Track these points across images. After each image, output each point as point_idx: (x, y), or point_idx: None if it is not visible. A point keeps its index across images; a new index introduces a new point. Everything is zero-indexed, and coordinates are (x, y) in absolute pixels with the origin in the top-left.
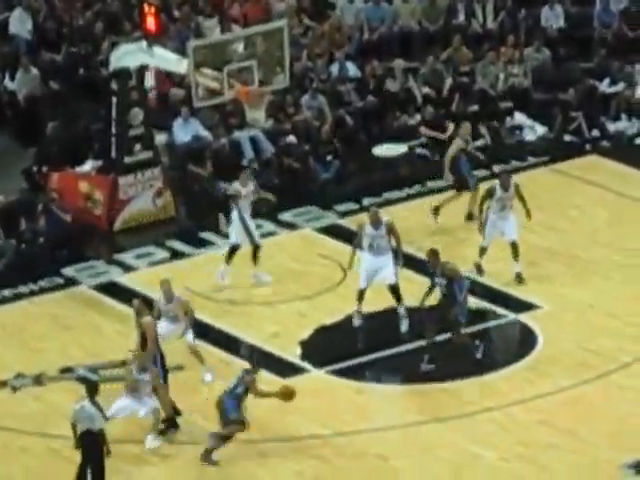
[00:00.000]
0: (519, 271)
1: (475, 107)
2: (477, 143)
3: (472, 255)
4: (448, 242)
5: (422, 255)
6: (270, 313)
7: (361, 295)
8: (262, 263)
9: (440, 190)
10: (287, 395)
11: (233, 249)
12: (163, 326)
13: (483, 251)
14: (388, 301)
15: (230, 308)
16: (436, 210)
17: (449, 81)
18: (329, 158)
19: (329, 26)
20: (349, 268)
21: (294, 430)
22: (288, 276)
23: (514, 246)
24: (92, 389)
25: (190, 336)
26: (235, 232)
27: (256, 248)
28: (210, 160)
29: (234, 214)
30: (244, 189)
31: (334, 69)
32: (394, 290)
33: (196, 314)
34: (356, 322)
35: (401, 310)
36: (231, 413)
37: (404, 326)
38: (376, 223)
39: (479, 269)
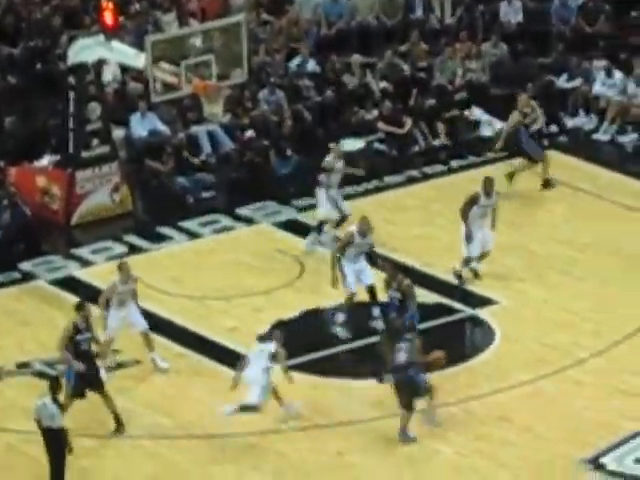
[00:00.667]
0: (475, 267)
1: (432, 102)
2: (435, 141)
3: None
4: (406, 238)
5: (382, 251)
6: (227, 308)
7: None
8: (219, 258)
9: (397, 185)
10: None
11: (321, 223)
12: (113, 315)
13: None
14: (342, 296)
15: (187, 303)
16: (510, 176)
17: (407, 74)
18: (289, 153)
19: (287, 21)
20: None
21: (251, 425)
22: (245, 271)
23: (485, 255)
24: (54, 386)
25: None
26: (323, 205)
27: (344, 218)
28: (170, 155)
29: (321, 190)
30: (337, 163)
31: (293, 64)
32: (372, 290)
33: (153, 309)
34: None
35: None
36: (421, 383)
37: (379, 325)
38: (365, 232)
39: (460, 277)
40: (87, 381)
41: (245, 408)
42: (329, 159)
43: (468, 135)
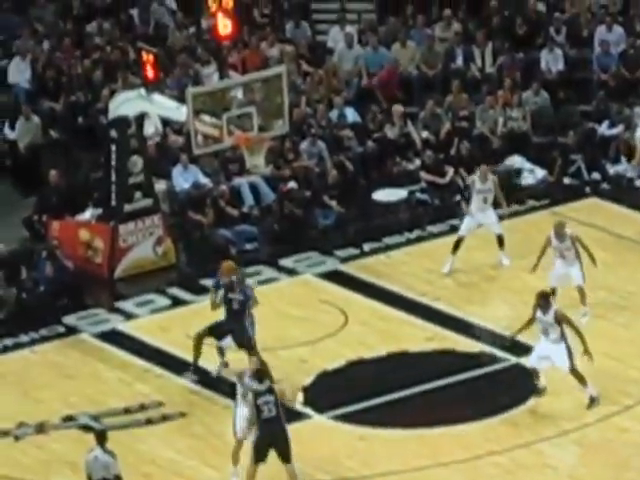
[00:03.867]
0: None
1: (474, 151)
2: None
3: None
4: (449, 287)
5: (424, 301)
6: (271, 359)
7: (553, 292)
8: (261, 309)
9: (440, 234)
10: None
11: (459, 240)
12: None
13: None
14: (390, 346)
15: (231, 355)
16: None
17: (447, 125)
18: (333, 203)
19: (325, 72)
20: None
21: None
22: (289, 322)
23: (499, 238)
24: (101, 437)
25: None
26: (465, 223)
27: (499, 236)
28: (212, 207)
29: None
30: (480, 184)
31: (333, 115)
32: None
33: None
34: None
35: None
36: None
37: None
38: (561, 236)
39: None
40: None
41: None
42: (472, 176)
43: (510, 184)
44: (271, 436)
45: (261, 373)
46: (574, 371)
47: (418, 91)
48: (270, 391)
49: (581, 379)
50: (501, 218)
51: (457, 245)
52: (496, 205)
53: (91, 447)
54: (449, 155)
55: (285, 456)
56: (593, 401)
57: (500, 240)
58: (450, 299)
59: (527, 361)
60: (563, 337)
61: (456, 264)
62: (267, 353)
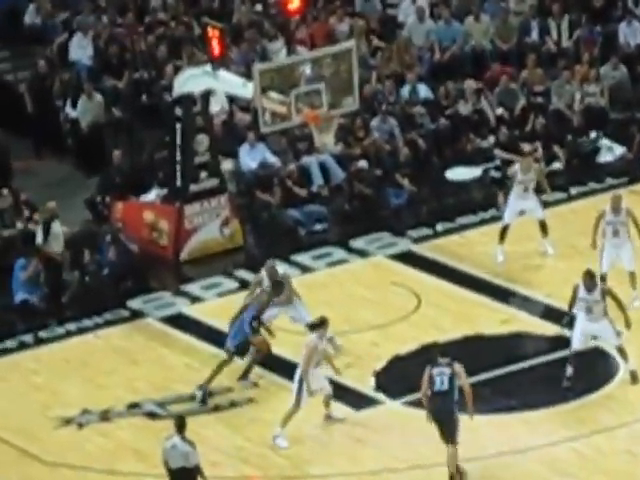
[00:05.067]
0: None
1: (550, 128)
2: (554, 165)
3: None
4: (527, 269)
5: (499, 282)
6: (343, 343)
7: (603, 278)
8: (331, 291)
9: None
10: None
11: (504, 228)
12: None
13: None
14: (464, 329)
15: (301, 339)
16: None
17: (522, 101)
18: (405, 182)
19: (396, 47)
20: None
21: (369, 463)
22: (361, 305)
23: (542, 224)
24: (181, 425)
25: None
26: (507, 211)
27: (541, 222)
28: (279, 187)
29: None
30: (522, 175)
31: (405, 91)
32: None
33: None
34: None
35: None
36: None
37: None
38: (617, 209)
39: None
40: None
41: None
42: (514, 167)
43: (587, 161)
44: (437, 411)
45: None
46: (620, 346)
47: (491, 65)
48: (448, 364)
49: (624, 354)
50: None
51: (503, 234)
52: (538, 190)
53: (170, 434)
54: (524, 132)
55: (447, 435)
56: (635, 377)
57: (543, 227)
58: (526, 280)
59: (573, 344)
60: (606, 312)
61: (533, 246)
62: (338, 336)
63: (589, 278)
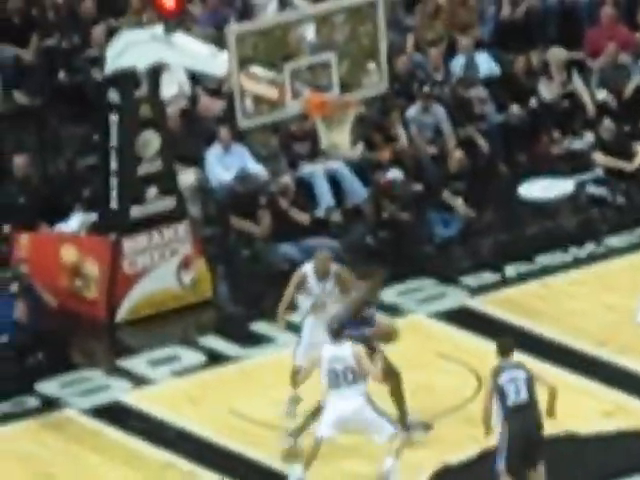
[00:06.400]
0: None
1: None
2: None
3: None
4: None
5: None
6: (356, 446)
7: None
8: None
9: (624, 250)
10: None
11: None
12: None
13: None
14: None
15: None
16: None
17: (636, 80)
18: (458, 203)
19: None
20: None
21: None
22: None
23: None
24: None
25: None
26: None
27: None
28: (267, 210)
29: None
30: None
31: (457, 64)
32: None
33: (249, 451)
34: None
35: None
36: None
37: None
38: None
39: None
40: None
41: None
42: None
43: None
44: (527, 431)
45: None
46: None
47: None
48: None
49: None
50: None
51: None
52: None
53: None
54: (638, 126)
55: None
56: None
57: None
58: None
59: None
60: None
61: None
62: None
63: None
